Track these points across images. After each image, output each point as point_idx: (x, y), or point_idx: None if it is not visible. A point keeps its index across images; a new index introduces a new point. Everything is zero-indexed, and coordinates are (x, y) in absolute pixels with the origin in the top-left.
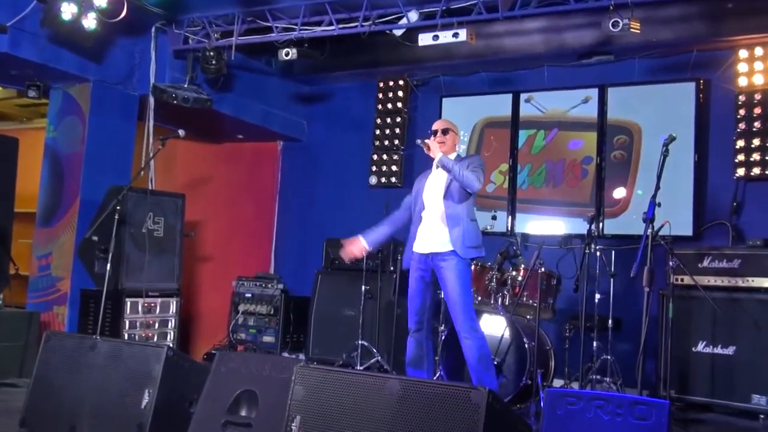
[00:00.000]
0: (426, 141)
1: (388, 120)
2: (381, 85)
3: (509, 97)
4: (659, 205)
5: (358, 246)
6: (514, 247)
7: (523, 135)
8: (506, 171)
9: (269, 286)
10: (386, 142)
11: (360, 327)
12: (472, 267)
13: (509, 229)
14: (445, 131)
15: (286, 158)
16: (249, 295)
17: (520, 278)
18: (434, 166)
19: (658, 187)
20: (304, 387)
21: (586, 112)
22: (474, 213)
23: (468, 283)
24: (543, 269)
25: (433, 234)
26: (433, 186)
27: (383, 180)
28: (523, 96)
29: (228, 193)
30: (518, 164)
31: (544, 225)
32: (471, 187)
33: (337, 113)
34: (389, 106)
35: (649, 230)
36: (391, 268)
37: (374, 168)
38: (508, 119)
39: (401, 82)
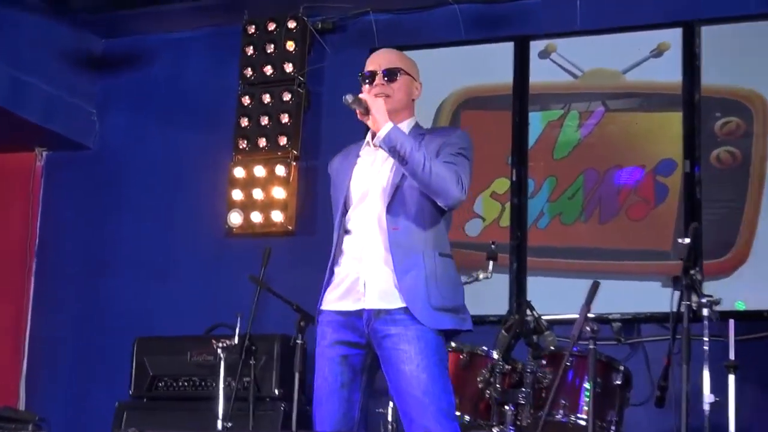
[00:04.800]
0: (360, 96)
1: (267, 99)
2: (251, 30)
3: (507, 48)
4: None
5: None
6: (533, 314)
7: (537, 122)
8: (506, 194)
9: None
10: (263, 144)
11: None
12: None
13: (514, 306)
14: (391, 72)
15: (55, 183)
16: None
17: (548, 373)
18: (369, 141)
19: None
20: None
21: (661, 75)
22: (446, 243)
23: (442, 370)
24: (593, 347)
25: (368, 274)
26: (367, 181)
27: (256, 219)
28: (536, 46)
29: None
30: (529, 179)
31: (583, 297)
32: (444, 194)
33: (163, 90)
34: (268, 71)
35: None
36: (276, 392)
37: (238, 195)
38: (507, 91)
39: (292, 25)
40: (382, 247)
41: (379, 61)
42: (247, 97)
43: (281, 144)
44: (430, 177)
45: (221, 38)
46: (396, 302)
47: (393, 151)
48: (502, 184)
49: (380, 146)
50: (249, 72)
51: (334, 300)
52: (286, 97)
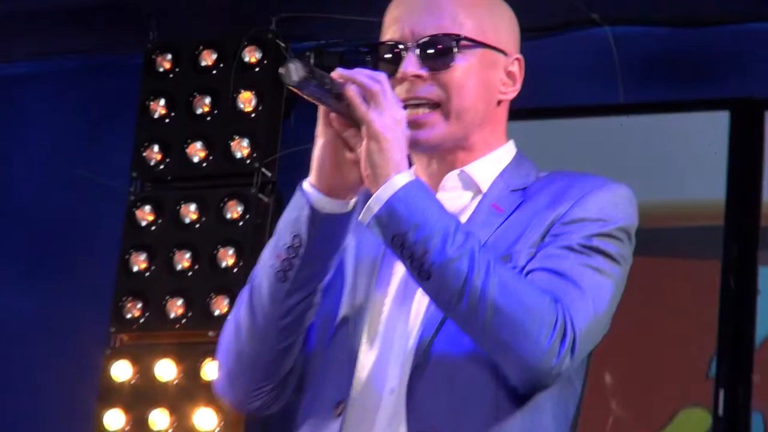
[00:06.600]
0: (334, 74)
1: (190, 216)
2: (164, 64)
3: (717, 123)
4: None
5: None
6: None
7: None
8: None
9: None
10: (177, 311)
11: None
12: None
13: None
14: (444, 50)
15: None
16: None
17: None
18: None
19: None
20: None
21: None
22: None
23: None
24: None
25: None
26: (385, 316)
27: None
28: None
29: None
30: (754, 413)
31: None
32: (508, 352)
33: None
34: (195, 154)
35: None
36: None
37: (116, 421)
38: (714, 219)
39: (253, 57)
40: None
41: (410, 16)
42: (147, 207)
43: (217, 313)
44: (483, 313)
45: (94, 81)
46: None
47: (396, 244)
48: (696, 420)
49: (370, 227)
50: (153, 155)
51: None
52: (234, 211)
